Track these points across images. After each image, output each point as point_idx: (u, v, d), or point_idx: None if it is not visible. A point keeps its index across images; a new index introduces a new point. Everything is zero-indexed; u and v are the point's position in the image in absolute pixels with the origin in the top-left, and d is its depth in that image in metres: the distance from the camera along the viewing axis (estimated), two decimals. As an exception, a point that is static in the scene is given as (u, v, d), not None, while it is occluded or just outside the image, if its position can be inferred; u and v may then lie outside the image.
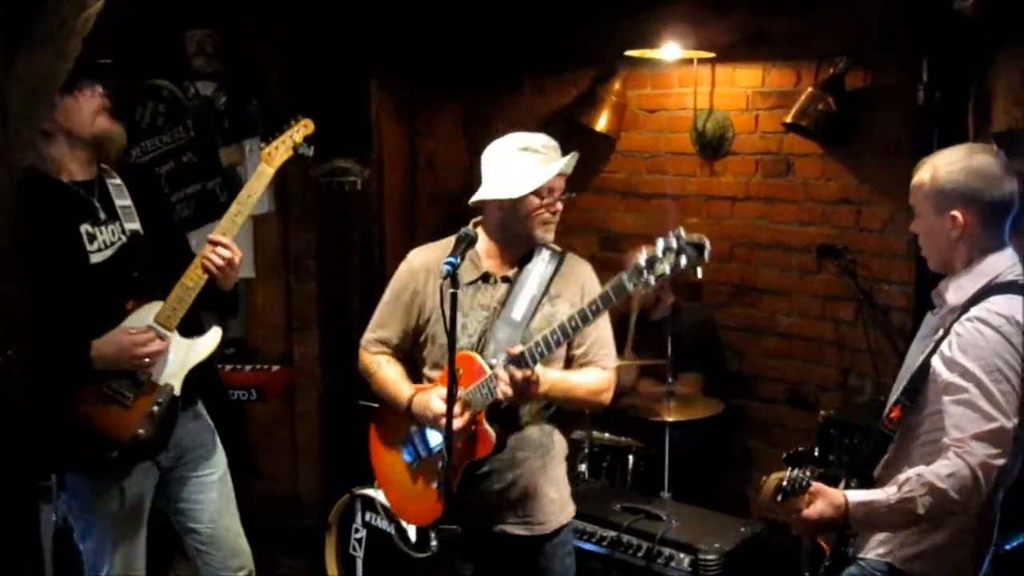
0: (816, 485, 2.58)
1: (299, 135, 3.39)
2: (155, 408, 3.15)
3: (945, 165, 2.60)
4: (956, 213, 2.57)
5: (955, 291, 2.62)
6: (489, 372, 2.98)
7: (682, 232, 2.66)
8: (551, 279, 3.14)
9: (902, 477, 2.48)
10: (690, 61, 4.95)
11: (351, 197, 5.21)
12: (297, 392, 5.40)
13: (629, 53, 4.93)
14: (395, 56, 5.38)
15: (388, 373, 3.24)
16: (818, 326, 4.87)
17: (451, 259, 2.80)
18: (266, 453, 5.42)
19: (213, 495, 3.43)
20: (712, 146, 5.07)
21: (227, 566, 3.47)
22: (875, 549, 2.69)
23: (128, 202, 3.27)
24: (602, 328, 3.17)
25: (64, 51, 2.67)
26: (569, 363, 3.17)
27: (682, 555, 3.69)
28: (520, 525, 3.17)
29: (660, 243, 2.69)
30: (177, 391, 3.20)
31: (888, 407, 2.71)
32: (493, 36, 5.28)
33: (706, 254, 2.64)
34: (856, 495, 2.55)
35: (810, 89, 4.59)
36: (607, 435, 4.70)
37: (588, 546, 3.90)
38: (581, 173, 5.36)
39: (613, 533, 3.86)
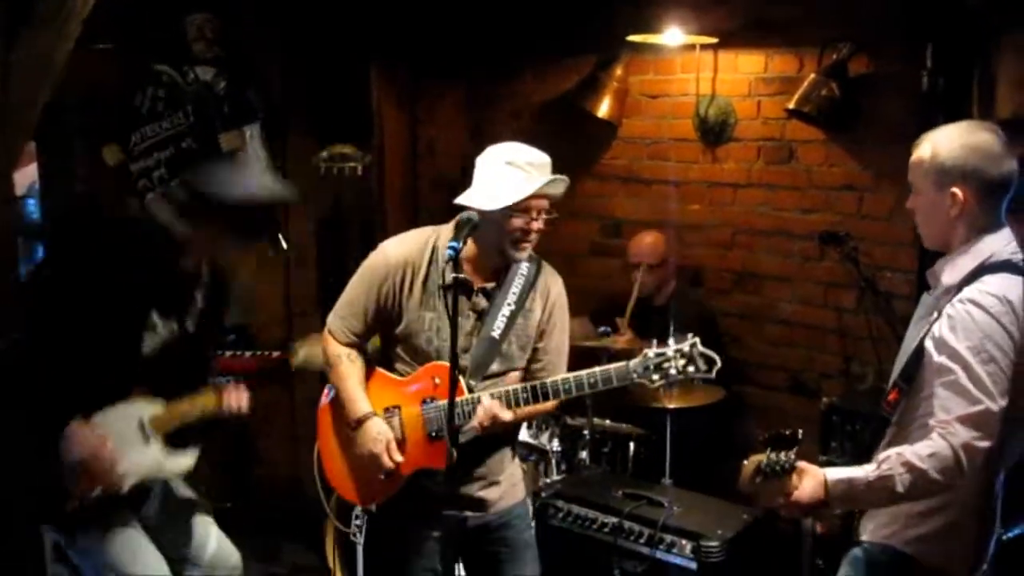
0: (801, 464, 2.56)
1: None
2: (94, 493, 3.03)
3: (946, 142, 2.59)
4: (956, 190, 2.56)
5: (950, 271, 2.62)
6: (468, 396, 3.01)
7: (698, 343, 2.84)
8: (527, 293, 3.16)
9: (882, 455, 2.50)
10: (692, 47, 4.92)
11: (351, 183, 5.19)
12: (296, 378, 5.38)
13: (631, 38, 4.91)
14: (396, 42, 5.36)
15: (350, 373, 3.18)
16: (820, 313, 4.85)
17: (453, 243, 2.82)
18: (266, 440, 5.41)
19: (211, 536, 3.40)
20: (714, 132, 5.04)
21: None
22: (878, 532, 2.69)
23: (201, 302, 3.23)
24: (561, 344, 3.24)
25: (65, 32, 2.66)
26: (525, 372, 3.20)
27: (684, 541, 3.69)
28: (477, 507, 3.19)
29: (672, 344, 2.87)
30: (123, 490, 3.09)
31: (887, 390, 2.71)
32: (494, 21, 5.27)
33: (714, 371, 2.84)
34: (835, 472, 2.55)
35: (813, 75, 4.57)
36: (608, 422, 4.69)
37: (589, 533, 3.89)
38: (582, 159, 5.44)
39: (615, 519, 3.84)
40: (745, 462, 2.67)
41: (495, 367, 3.12)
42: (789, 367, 4.98)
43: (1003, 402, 2.43)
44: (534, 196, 2.99)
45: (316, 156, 5.12)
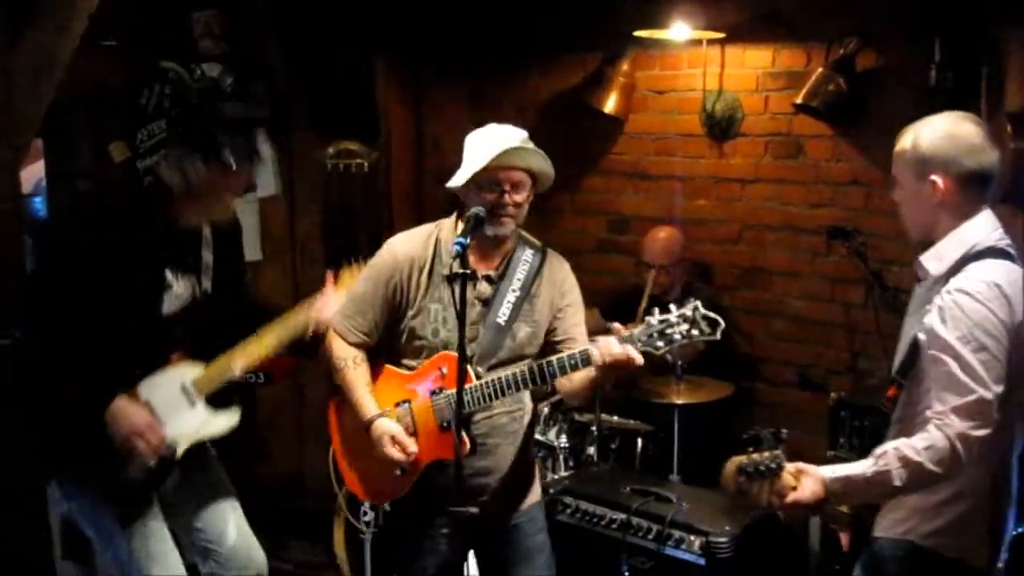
0: (799, 465, 2.55)
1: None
2: (151, 462, 3.11)
3: (928, 132, 2.61)
4: (936, 178, 2.57)
5: (936, 261, 2.63)
6: (476, 383, 2.99)
7: (699, 305, 2.79)
8: (533, 279, 3.15)
9: (879, 450, 2.50)
10: (699, 42, 4.91)
11: (358, 179, 5.19)
12: (303, 375, 5.39)
13: (638, 34, 4.89)
14: (402, 39, 5.36)
15: (355, 378, 3.18)
16: (828, 309, 4.84)
17: (460, 239, 2.80)
18: (273, 436, 5.42)
19: (227, 513, 3.41)
20: (721, 127, 5.03)
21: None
22: (895, 528, 2.67)
23: (210, 259, 3.28)
24: (580, 322, 3.23)
25: (68, 28, 2.66)
26: (546, 348, 3.18)
27: (692, 537, 3.68)
28: (493, 506, 3.17)
29: (673, 310, 2.82)
30: (178, 455, 3.19)
31: (886, 386, 2.71)
32: (500, 18, 5.25)
33: (719, 332, 2.79)
34: (832, 471, 2.54)
35: (820, 69, 4.55)
36: (615, 418, 4.68)
37: (598, 529, 3.88)
38: (588, 156, 5.42)
39: (623, 516, 3.84)
40: (727, 464, 2.65)
41: (503, 354, 3.11)
42: (797, 362, 4.96)
43: (998, 388, 2.44)
44: (501, 168, 2.99)
45: (323, 153, 5.12)
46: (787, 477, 2.53)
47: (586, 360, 2.89)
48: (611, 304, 4.91)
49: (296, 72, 5.24)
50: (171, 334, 3.20)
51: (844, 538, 2.79)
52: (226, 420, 3.31)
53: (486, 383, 2.99)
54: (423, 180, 5.88)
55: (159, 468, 3.15)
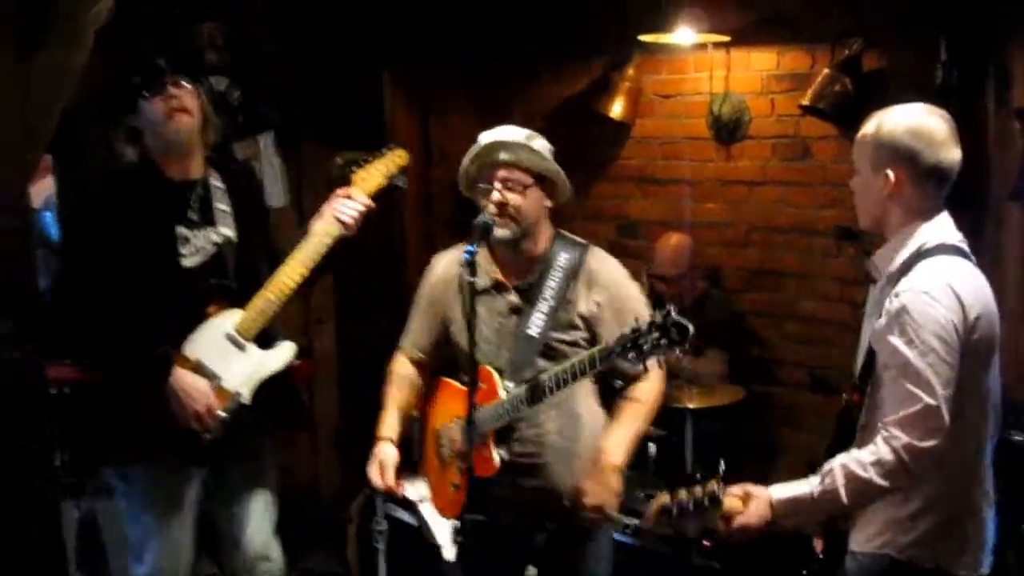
0: (745, 487, 2.52)
1: (395, 165, 3.39)
2: (222, 414, 3.12)
3: (890, 122, 2.51)
4: (889, 171, 2.48)
5: (886, 261, 2.55)
6: (501, 399, 2.95)
7: (672, 311, 2.61)
8: (567, 284, 3.03)
9: (826, 467, 2.44)
10: (704, 45, 4.92)
11: (366, 189, 5.19)
12: (316, 385, 5.40)
13: (643, 39, 4.90)
14: (408, 48, 5.36)
15: (391, 396, 3.23)
16: (839, 310, 4.83)
17: (469, 248, 2.79)
18: (288, 445, 5.42)
19: (259, 506, 3.40)
20: (728, 130, 5.03)
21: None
22: (871, 542, 2.56)
23: (227, 207, 3.27)
24: (620, 317, 3.01)
25: (78, 43, 2.67)
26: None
27: (705, 541, 3.67)
28: (553, 525, 3.11)
29: (644, 318, 2.67)
30: (246, 399, 3.18)
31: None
32: (505, 26, 5.26)
33: (687, 338, 2.59)
34: (779, 492, 2.50)
35: (826, 71, 4.55)
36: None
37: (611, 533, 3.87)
38: (596, 161, 5.42)
39: (636, 520, 3.83)
40: (650, 502, 2.61)
41: (542, 364, 2.99)
42: (809, 364, 4.95)
43: (947, 392, 2.34)
44: (488, 165, 2.97)
45: (330, 163, 5.13)
46: (733, 501, 2.50)
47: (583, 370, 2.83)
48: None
49: (302, 82, 5.25)
50: (200, 287, 3.17)
51: (818, 544, 2.72)
52: (283, 353, 3.29)
53: (502, 401, 2.95)
54: (431, 189, 5.89)
55: (232, 421, 3.14)
